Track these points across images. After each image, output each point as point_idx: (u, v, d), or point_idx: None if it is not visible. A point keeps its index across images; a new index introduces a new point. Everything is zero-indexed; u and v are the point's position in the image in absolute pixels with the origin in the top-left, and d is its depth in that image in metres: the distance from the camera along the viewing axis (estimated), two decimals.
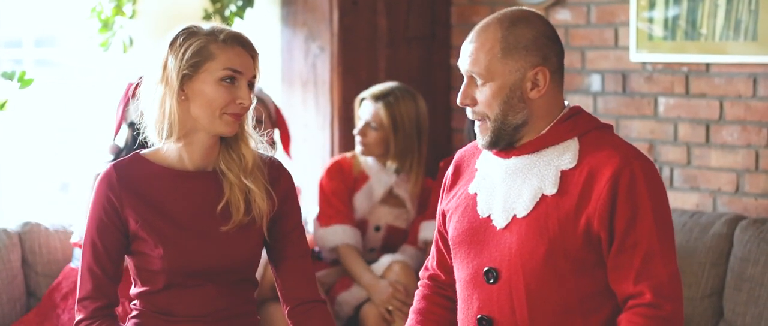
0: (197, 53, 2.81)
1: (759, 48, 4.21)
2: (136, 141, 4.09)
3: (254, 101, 2.92)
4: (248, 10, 4.93)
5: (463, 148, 3.01)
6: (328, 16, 5.01)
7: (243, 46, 2.86)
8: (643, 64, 4.59)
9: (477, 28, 2.80)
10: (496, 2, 5.04)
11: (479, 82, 2.76)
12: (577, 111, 2.81)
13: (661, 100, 4.55)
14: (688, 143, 4.49)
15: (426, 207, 4.63)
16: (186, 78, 2.82)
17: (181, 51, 2.82)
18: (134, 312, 2.95)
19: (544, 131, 2.78)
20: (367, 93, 4.59)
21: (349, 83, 4.98)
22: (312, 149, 5.12)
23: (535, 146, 2.78)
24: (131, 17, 4.64)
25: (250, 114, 2.94)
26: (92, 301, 2.89)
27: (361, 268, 4.43)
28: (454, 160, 2.99)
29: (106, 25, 4.65)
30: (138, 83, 4.14)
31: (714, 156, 4.42)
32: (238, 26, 4.93)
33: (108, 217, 2.87)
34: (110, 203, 2.87)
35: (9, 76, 4.08)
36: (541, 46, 2.75)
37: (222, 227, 2.87)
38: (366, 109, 4.55)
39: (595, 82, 4.73)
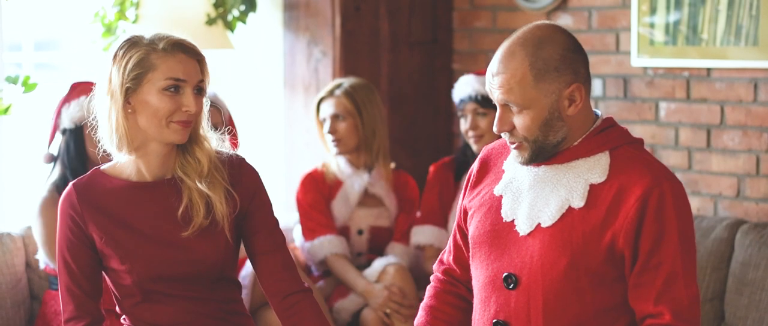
0: (138, 65, 2.80)
1: (760, 53, 4.22)
2: (70, 148, 4.08)
3: (207, 105, 2.91)
4: (251, 14, 4.94)
5: (490, 145, 2.99)
6: (330, 20, 5.02)
7: (185, 52, 2.84)
8: (645, 69, 4.60)
9: (501, 56, 2.75)
10: (498, 7, 5.05)
11: (515, 109, 2.73)
12: (610, 123, 2.80)
13: (662, 105, 4.55)
14: (689, 148, 4.50)
15: (405, 200, 4.63)
16: (130, 91, 2.81)
17: (123, 63, 2.80)
18: None
19: (576, 143, 2.77)
20: (321, 93, 4.58)
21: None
22: (313, 154, 5.12)
23: (566, 157, 2.76)
24: (134, 22, 4.65)
25: (206, 115, 2.93)
26: (77, 321, 2.90)
27: (353, 276, 4.42)
28: (480, 155, 2.97)
29: (109, 30, 4.66)
30: (74, 86, 4.14)
31: (715, 160, 4.43)
32: (239, 31, 4.96)
33: (75, 236, 2.88)
34: (74, 222, 2.87)
35: (13, 80, 4.08)
36: (570, 62, 2.72)
37: (183, 232, 2.87)
38: (327, 106, 4.54)
39: (596, 87, 4.74)
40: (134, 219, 2.87)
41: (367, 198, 4.59)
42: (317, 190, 4.52)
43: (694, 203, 4.48)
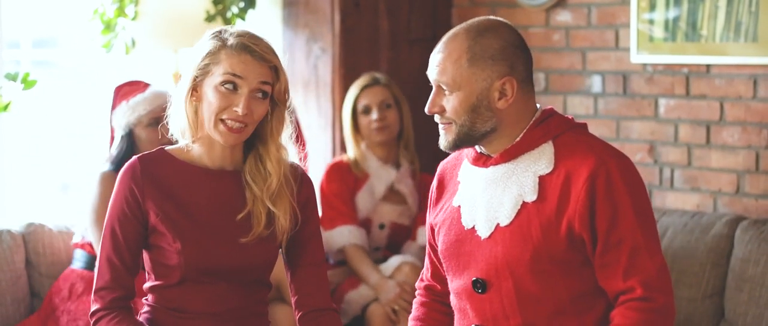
0: (208, 56, 2.84)
1: (759, 49, 4.22)
2: (123, 151, 4.14)
3: (290, 118, 2.90)
4: (250, 11, 4.94)
5: (445, 161, 3.03)
6: (329, 17, 5.02)
7: (252, 54, 2.84)
8: (644, 65, 4.60)
9: (445, 38, 2.83)
10: (497, 3, 5.05)
11: (447, 91, 2.78)
12: (549, 113, 2.83)
13: (662, 101, 4.56)
14: (689, 144, 4.50)
15: (426, 201, 4.65)
16: (198, 80, 2.85)
17: (199, 53, 2.87)
18: (146, 307, 2.95)
19: (517, 138, 2.79)
20: (363, 81, 4.62)
21: (350, 85, 4.99)
22: (313, 150, 5.12)
23: (511, 154, 2.79)
24: (133, 19, 4.65)
25: (288, 127, 2.93)
26: (109, 292, 2.90)
27: (369, 268, 4.44)
28: (437, 173, 3.01)
29: (109, 27, 4.66)
30: (117, 91, 4.18)
31: (714, 157, 4.43)
32: (243, 27, 4.95)
33: (129, 208, 2.88)
34: (132, 194, 2.88)
35: (12, 78, 4.09)
36: (508, 55, 2.77)
37: (241, 238, 2.88)
38: (374, 93, 4.61)
39: (595, 84, 4.74)
40: (193, 204, 2.89)
41: (392, 194, 4.63)
42: (342, 180, 4.57)
43: (694, 199, 4.48)
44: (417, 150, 4.81)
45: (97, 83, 4.94)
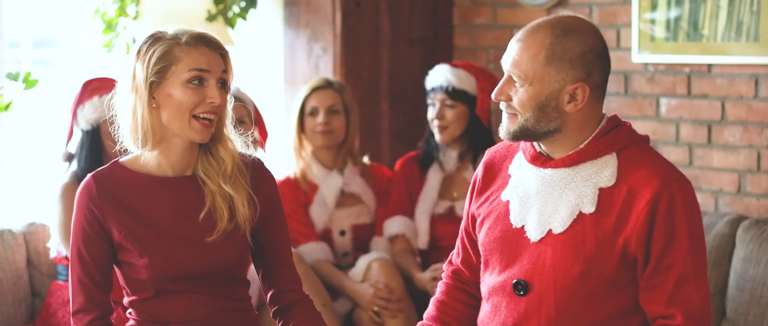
0: (162, 58, 2.80)
1: (760, 49, 4.22)
2: (86, 148, 4.12)
3: (232, 101, 2.90)
4: (251, 11, 4.94)
5: (493, 149, 2.98)
6: (330, 17, 5.02)
7: (208, 45, 2.84)
8: (645, 64, 4.60)
9: (528, 27, 2.76)
10: (498, 3, 5.05)
11: (517, 83, 2.73)
12: (615, 123, 2.78)
13: (663, 101, 4.56)
14: (690, 144, 4.50)
15: (383, 193, 4.61)
16: (154, 85, 2.81)
17: (147, 58, 2.81)
18: (130, 322, 2.95)
19: (582, 145, 2.75)
20: (315, 83, 4.57)
21: (351, 84, 4.99)
22: None
23: (573, 160, 2.75)
24: (135, 18, 4.65)
25: (230, 114, 2.92)
26: (86, 314, 2.89)
27: (339, 279, 4.40)
28: (484, 160, 2.95)
29: (110, 26, 4.66)
30: (86, 85, 4.15)
31: (716, 156, 4.43)
32: (240, 27, 4.96)
33: (91, 228, 2.86)
34: (92, 214, 2.85)
35: (14, 77, 4.09)
36: (587, 61, 2.71)
37: (207, 238, 2.86)
38: (323, 97, 4.52)
39: None
40: (155, 215, 2.86)
41: (345, 198, 4.57)
42: (293, 198, 4.49)
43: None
44: (395, 145, 4.78)
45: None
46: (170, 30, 2.85)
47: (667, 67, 4.53)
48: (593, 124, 2.76)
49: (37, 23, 4.77)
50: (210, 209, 2.87)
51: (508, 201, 2.82)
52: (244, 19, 4.91)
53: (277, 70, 5.22)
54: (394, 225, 4.56)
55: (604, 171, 2.72)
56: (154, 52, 2.81)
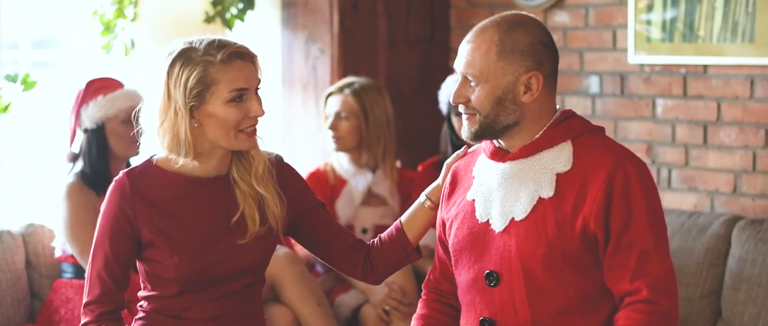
0: (200, 82, 2.77)
1: (756, 50, 4.24)
2: (92, 147, 4.14)
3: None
4: (249, 12, 4.95)
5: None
6: (328, 18, 5.03)
7: (242, 58, 2.82)
8: (641, 65, 4.61)
9: (475, 29, 2.84)
10: (495, 4, 5.06)
11: (473, 82, 2.80)
12: (569, 114, 2.86)
13: (659, 102, 4.57)
14: (686, 144, 4.51)
15: (410, 199, 4.64)
16: (194, 108, 2.80)
17: (182, 82, 2.78)
18: (141, 313, 2.94)
19: (538, 135, 2.82)
20: (331, 88, 4.61)
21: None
22: (312, 151, 5.14)
23: (530, 150, 2.82)
24: (133, 20, 4.65)
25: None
26: (99, 306, 2.88)
27: None
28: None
29: (108, 28, 4.66)
30: (90, 84, 4.17)
31: (712, 157, 4.44)
32: (238, 29, 4.96)
33: (120, 227, 2.85)
34: (123, 213, 2.85)
35: (12, 79, 4.10)
36: (536, 51, 2.80)
37: (239, 240, 2.87)
38: (333, 102, 4.56)
39: (593, 84, 4.75)
40: (187, 215, 2.86)
41: (371, 198, 4.61)
42: (319, 190, 4.52)
43: (691, 199, 4.50)
44: (405, 147, 4.80)
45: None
46: (198, 43, 2.81)
47: (663, 67, 4.55)
48: (548, 115, 2.84)
49: (35, 25, 4.78)
50: (242, 212, 2.87)
51: (473, 199, 2.88)
52: (242, 20, 4.92)
53: (275, 72, 5.23)
54: (431, 234, 4.55)
55: (560, 158, 2.79)
56: (190, 75, 2.77)
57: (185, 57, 2.79)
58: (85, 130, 4.15)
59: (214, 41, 2.82)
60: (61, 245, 4.17)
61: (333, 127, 4.54)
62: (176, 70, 2.79)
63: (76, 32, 4.79)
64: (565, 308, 2.76)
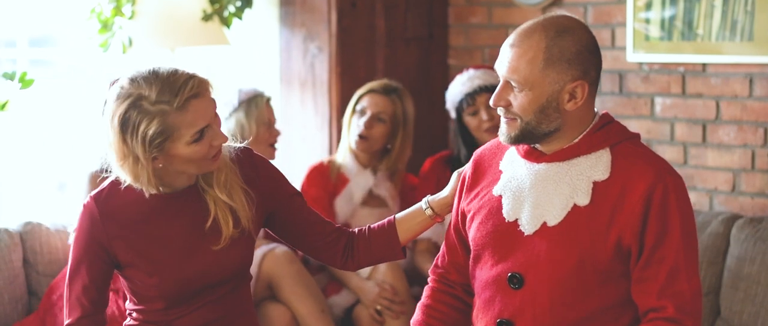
0: (159, 134, 2.70)
1: (755, 48, 4.23)
2: None
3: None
4: (247, 10, 4.94)
5: (482, 147, 2.99)
6: (326, 16, 5.03)
7: (197, 96, 2.74)
8: (640, 64, 4.61)
9: (520, 32, 2.75)
10: (494, 3, 5.06)
11: (517, 88, 2.74)
12: (608, 119, 2.81)
13: (658, 100, 4.57)
14: (685, 143, 4.51)
15: (409, 203, 4.63)
16: (156, 157, 2.75)
17: (140, 135, 2.70)
18: (131, 321, 2.94)
19: (576, 140, 2.77)
20: (374, 84, 4.57)
21: (347, 84, 5.00)
22: (310, 149, 5.13)
23: (567, 154, 2.77)
24: (130, 18, 4.65)
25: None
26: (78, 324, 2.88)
27: (347, 272, 4.42)
28: (473, 159, 2.97)
29: (106, 26, 4.66)
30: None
31: (710, 155, 4.44)
32: (235, 27, 4.95)
33: (94, 252, 2.84)
34: (94, 239, 2.83)
35: (10, 77, 4.09)
36: (583, 60, 2.73)
37: (213, 246, 2.84)
38: (374, 101, 4.53)
39: None
40: (161, 231, 2.84)
41: (371, 199, 4.60)
42: (322, 186, 4.51)
43: (690, 198, 4.48)
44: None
45: (94, 82, 4.94)
46: (145, 87, 2.69)
47: (662, 66, 4.54)
48: (588, 120, 2.79)
49: (33, 23, 4.77)
50: (214, 218, 2.85)
51: (500, 196, 2.83)
52: (240, 18, 4.91)
53: (273, 70, 5.23)
54: (432, 230, 4.54)
55: (598, 165, 2.74)
56: (147, 128, 2.69)
57: (138, 107, 2.70)
58: None
59: (163, 84, 2.70)
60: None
61: (368, 125, 4.50)
62: (131, 121, 2.70)
63: (74, 30, 4.78)
64: (586, 317, 2.73)
